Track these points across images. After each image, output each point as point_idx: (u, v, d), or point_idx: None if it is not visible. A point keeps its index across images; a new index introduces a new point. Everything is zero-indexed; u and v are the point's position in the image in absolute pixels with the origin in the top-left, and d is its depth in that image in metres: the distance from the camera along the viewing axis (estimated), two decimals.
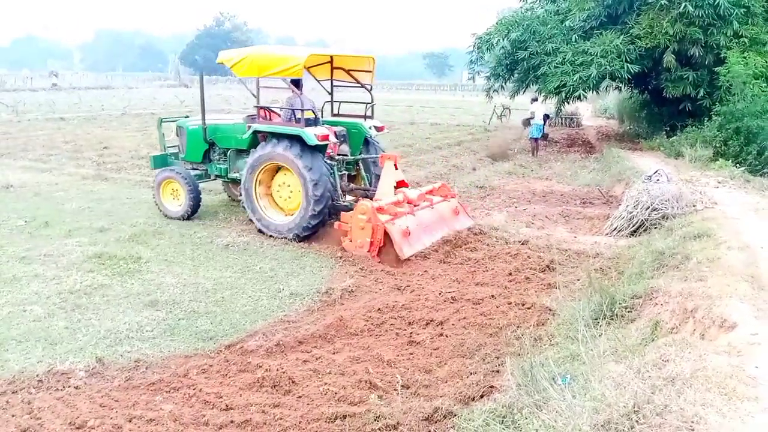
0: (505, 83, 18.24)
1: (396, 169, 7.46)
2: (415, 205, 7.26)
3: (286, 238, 7.26)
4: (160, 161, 8.86)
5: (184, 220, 8.11)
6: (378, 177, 7.71)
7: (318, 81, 8.61)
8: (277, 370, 4.11)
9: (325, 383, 4.01)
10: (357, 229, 6.71)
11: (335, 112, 8.62)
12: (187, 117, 9.42)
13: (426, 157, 14.33)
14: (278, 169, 7.50)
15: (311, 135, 6.99)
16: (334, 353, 4.48)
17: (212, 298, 5.45)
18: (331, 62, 8.42)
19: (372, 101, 8.28)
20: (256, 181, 7.50)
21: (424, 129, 21.07)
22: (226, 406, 3.72)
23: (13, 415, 3.52)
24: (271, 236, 7.37)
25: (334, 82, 8.61)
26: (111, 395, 3.81)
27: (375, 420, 3.49)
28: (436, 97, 47.35)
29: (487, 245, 7.17)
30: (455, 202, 7.89)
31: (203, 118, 8.38)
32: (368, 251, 6.64)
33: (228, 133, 8.31)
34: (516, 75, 17.66)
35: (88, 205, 8.85)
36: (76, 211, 8.58)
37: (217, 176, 8.69)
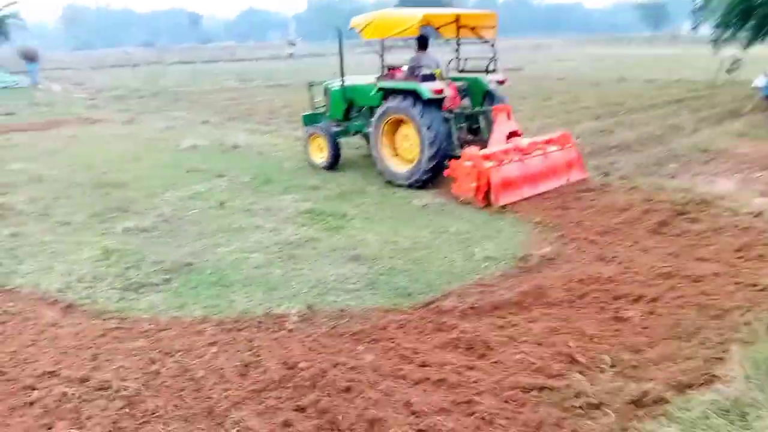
0: (737, 32, 15.87)
1: (509, 119, 7.83)
2: (525, 154, 7.36)
3: (405, 185, 7.94)
4: (310, 119, 9.85)
5: (327, 169, 9.12)
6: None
7: (445, 39, 9.17)
8: (472, 332, 4.09)
9: (522, 351, 3.88)
10: (463, 175, 7.10)
11: (461, 68, 8.98)
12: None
13: (638, 117, 13.13)
14: (400, 122, 8.05)
15: (426, 89, 7.52)
16: (530, 322, 4.32)
17: (409, 257, 5.59)
18: (457, 21, 8.83)
19: (495, 56, 8.57)
20: (381, 133, 8.21)
21: (636, 86, 19.33)
22: (422, 362, 3.79)
23: (237, 351, 3.96)
24: (398, 185, 8.03)
25: (460, 39, 9.02)
26: (319, 341, 4.09)
27: (575, 396, 3.29)
28: (652, 51, 43.02)
29: (711, 216, 6.36)
30: (573, 152, 7.90)
31: (342, 79, 9.14)
32: (474, 196, 7.01)
33: (362, 91, 8.97)
34: (752, 22, 15.27)
35: (301, 165, 9.59)
36: (293, 169, 9.35)
37: (356, 132, 9.47)
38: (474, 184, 6.99)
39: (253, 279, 5.16)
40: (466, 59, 8.97)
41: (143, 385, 3.58)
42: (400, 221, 6.68)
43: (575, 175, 7.81)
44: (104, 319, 4.50)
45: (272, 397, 3.45)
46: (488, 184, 6.94)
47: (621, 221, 6.32)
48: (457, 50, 9.11)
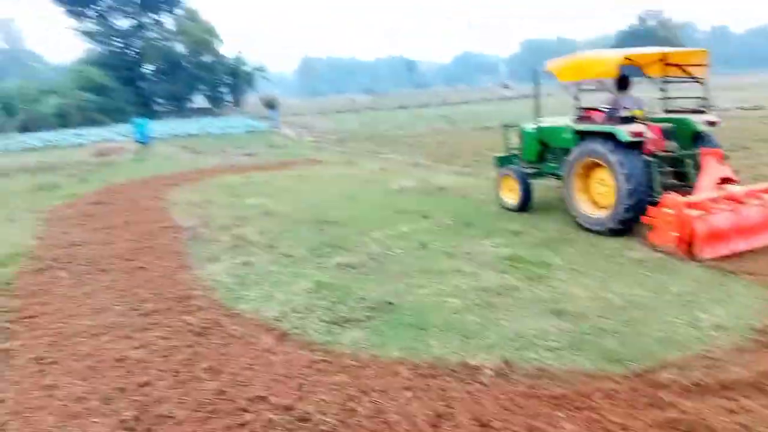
0: None
1: (720, 164, 7.27)
2: (738, 203, 6.68)
3: (599, 232, 7.58)
4: (504, 161, 10.01)
5: (517, 211, 9.12)
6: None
7: (650, 78, 8.77)
8: (695, 414, 3.55)
9: None
10: (663, 223, 6.64)
11: (667, 108, 8.59)
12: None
13: None
14: (596, 165, 7.76)
15: (623, 132, 7.24)
16: None
17: (621, 317, 5.10)
18: (663, 59, 8.47)
19: (706, 95, 8.05)
20: (575, 177, 8.01)
21: None
22: None
23: (431, 399, 3.91)
24: (591, 230, 7.71)
25: (666, 78, 8.60)
26: (515, 400, 3.87)
27: None
28: None
29: None
30: None
31: (537, 121, 9.20)
32: (676, 246, 6.49)
33: (557, 133, 8.91)
34: None
35: (503, 209, 9.43)
36: (494, 213, 9.25)
37: (549, 174, 9.31)
38: (675, 234, 6.49)
39: (450, 324, 5.11)
40: (671, 99, 8.59)
41: (340, 421, 3.70)
42: (611, 275, 6.16)
43: None
44: (311, 350, 4.78)
45: None
46: (692, 234, 6.37)
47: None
48: (662, 90, 8.73)
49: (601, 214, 7.70)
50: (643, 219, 6.99)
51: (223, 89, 56.09)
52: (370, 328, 5.16)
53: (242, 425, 3.72)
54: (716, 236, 6.43)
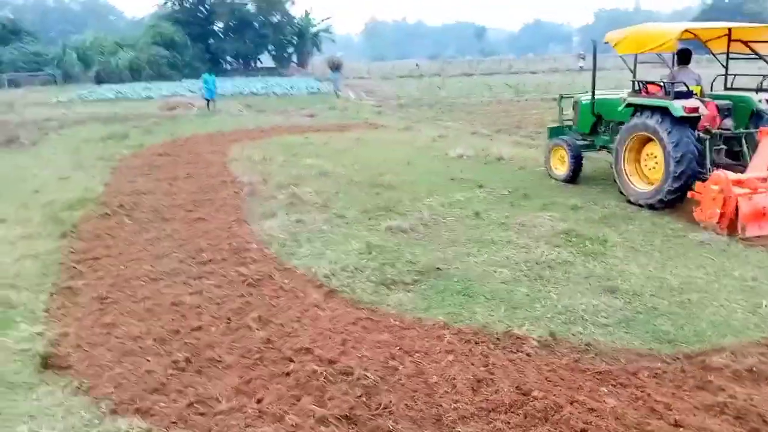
0: None
1: None
2: None
3: (644, 206, 7.52)
4: (556, 132, 9.91)
5: (565, 182, 9.14)
6: None
7: (714, 54, 8.59)
8: (746, 400, 3.42)
9: None
10: (708, 200, 6.59)
11: (728, 85, 8.33)
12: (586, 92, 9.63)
13: None
14: (648, 140, 7.65)
15: (678, 107, 7.08)
16: None
17: (677, 298, 4.93)
18: (729, 35, 8.17)
19: None
20: (625, 150, 7.90)
21: None
22: (675, 421, 3.29)
23: (472, 364, 3.93)
24: (638, 205, 7.65)
25: (731, 54, 8.32)
26: (558, 372, 3.84)
27: None
28: None
29: None
30: None
31: (593, 93, 9.05)
32: (717, 223, 6.45)
33: (611, 106, 8.80)
34: None
35: (562, 183, 9.21)
36: (553, 186, 9.05)
37: (602, 147, 9.24)
38: (718, 211, 6.42)
39: (498, 294, 5.08)
40: (734, 76, 8.32)
41: (381, 377, 3.77)
42: (670, 256, 5.95)
43: None
44: (358, 308, 4.87)
45: (501, 420, 3.33)
46: (735, 212, 6.30)
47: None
48: (725, 66, 8.48)
49: (648, 188, 7.63)
50: (690, 194, 6.98)
51: (290, 49, 56.55)
52: (416, 291, 5.19)
53: (287, 374, 3.84)
54: (761, 216, 6.34)
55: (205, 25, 51.55)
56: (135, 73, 41.63)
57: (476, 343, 4.23)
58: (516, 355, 4.07)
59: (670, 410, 3.39)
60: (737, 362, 3.86)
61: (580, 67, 44.83)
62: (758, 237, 6.28)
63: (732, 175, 6.52)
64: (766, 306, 4.72)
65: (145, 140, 14.81)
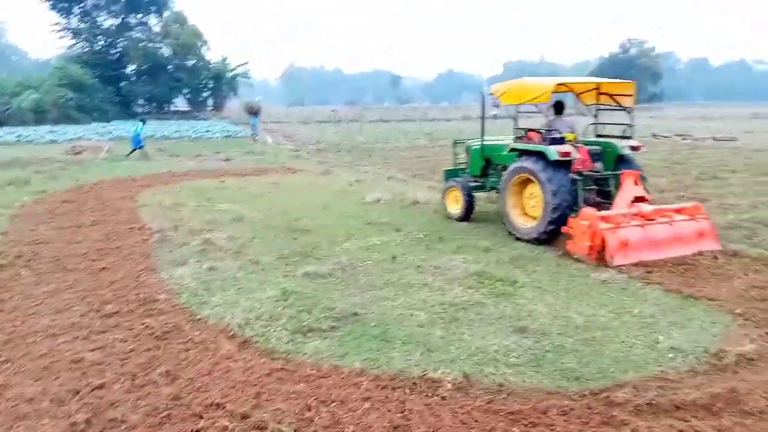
0: None
1: (637, 185, 8.09)
2: (648, 220, 7.50)
3: (526, 240, 8.35)
4: (451, 174, 10.77)
5: (460, 221, 9.84)
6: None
7: (586, 105, 9.61)
8: None
9: None
10: (579, 233, 7.43)
11: (599, 132, 9.38)
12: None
13: None
14: (529, 181, 8.55)
15: (553, 151, 8.04)
16: (719, 431, 3.70)
17: (581, 336, 5.15)
18: (598, 89, 9.32)
19: (631, 123, 8.92)
20: (509, 190, 8.79)
21: None
22: None
23: (389, 411, 3.91)
24: (520, 240, 8.48)
25: (599, 106, 9.41)
26: (472, 414, 3.89)
27: None
28: None
29: None
30: (706, 224, 7.81)
31: (482, 139, 9.97)
32: (587, 255, 7.27)
33: (497, 150, 9.75)
34: None
35: (475, 226, 9.52)
36: (466, 229, 9.32)
37: (492, 188, 10.03)
38: (588, 243, 7.26)
39: (414, 337, 5.12)
40: (604, 125, 9.38)
41: (296, 430, 3.67)
42: (575, 295, 6.23)
43: (706, 245, 7.64)
44: (273, 359, 4.75)
45: None
46: (602, 244, 7.17)
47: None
48: (595, 116, 9.49)
49: (530, 224, 8.46)
50: (563, 229, 7.77)
51: (206, 93, 55.85)
52: (334, 338, 5.14)
53: None
54: (625, 246, 7.18)
55: (117, 68, 50.08)
56: (39, 116, 39.57)
57: (393, 389, 4.22)
58: (432, 399, 4.09)
59: None
60: (638, 396, 4.06)
61: (494, 114, 46.78)
62: (624, 265, 7.03)
63: (598, 213, 7.37)
64: (662, 341, 5.02)
65: (48, 186, 14.04)
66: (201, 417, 3.83)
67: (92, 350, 4.88)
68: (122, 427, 3.77)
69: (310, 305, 5.85)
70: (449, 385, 4.25)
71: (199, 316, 5.64)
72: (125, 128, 20.12)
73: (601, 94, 9.32)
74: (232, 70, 56.15)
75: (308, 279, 6.74)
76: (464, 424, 3.78)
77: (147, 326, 5.36)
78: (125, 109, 47.48)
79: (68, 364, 4.66)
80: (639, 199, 7.98)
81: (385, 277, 6.84)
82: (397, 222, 9.71)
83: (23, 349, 4.95)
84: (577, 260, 7.41)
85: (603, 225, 7.24)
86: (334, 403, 4.02)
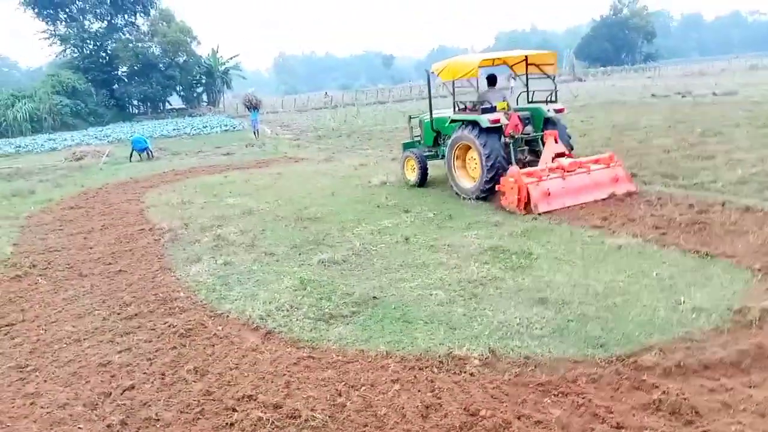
0: None
1: (556, 142, 9.20)
2: (567, 171, 8.61)
3: (470, 198, 9.49)
4: (408, 146, 11.85)
5: (417, 187, 10.99)
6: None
7: (517, 75, 10.66)
8: (677, 395, 3.61)
9: (739, 422, 3.34)
10: (508, 189, 8.53)
11: (530, 99, 10.42)
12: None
13: None
14: (468, 147, 9.61)
15: (485, 120, 9.15)
16: (750, 387, 3.72)
17: (603, 303, 5.16)
18: (526, 60, 10.30)
19: (555, 88, 10.09)
20: (453, 156, 9.93)
21: None
22: (617, 424, 3.42)
23: (419, 391, 3.93)
24: (463, 198, 9.65)
25: (529, 75, 10.45)
26: (501, 388, 3.91)
27: None
28: None
29: None
30: (620, 170, 8.99)
31: (431, 113, 11.12)
32: (516, 207, 8.38)
33: (443, 123, 10.69)
34: None
35: (484, 203, 9.48)
36: (475, 206, 9.29)
37: (442, 156, 10.85)
38: (516, 197, 8.37)
39: (436, 317, 5.14)
40: (533, 91, 10.38)
41: (329, 416, 3.71)
42: (591, 263, 6.23)
43: (622, 188, 8.79)
44: (298, 348, 4.78)
45: None
46: (528, 196, 8.24)
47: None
48: (526, 84, 10.50)
49: (472, 184, 9.57)
50: (497, 187, 8.79)
51: (199, 89, 55.60)
52: (355, 323, 5.16)
53: (231, 425, 3.70)
54: (548, 196, 8.34)
55: (109, 71, 49.81)
56: (36, 125, 39.55)
57: (420, 368, 4.25)
58: (460, 376, 4.11)
59: (611, 413, 3.52)
60: (666, 359, 4.07)
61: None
62: (548, 211, 8.15)
63: (522, 170, 8.54)
64: (684, 302, 5.01)
65: (53, 194, 14.07)
66: (234, 410, 3.86)
67: (119, 353, 4.92)
68: (158, 426, 3.81)
69: (329, 292, 5.88)
70: (476, 361, 4.27)
71: (220, 311, 5.67)
72: (124, 131, 19.82)
73: (530, 64, 10.33)
74: (223, 64, 55.86)
75: (323, 266, 6.75)
76: (495, 398, 3.80)
77: (169, 325, 5.39)
78: (121, 112, 47.35)
79: (96, 368, 4.70)
80: (560, 155, 9.07)
81: (400, 258, 6.85)
82: (405, 203, 9.70)
83: (50, 356, 4.99)
84: (591, 228, 7.41)
85: (527, 180, 8.35)
86: (363, 387, 4.04)
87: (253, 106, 28.56)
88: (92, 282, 6.95)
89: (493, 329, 4.80)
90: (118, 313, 5.85)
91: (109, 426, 3.82)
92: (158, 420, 3.86)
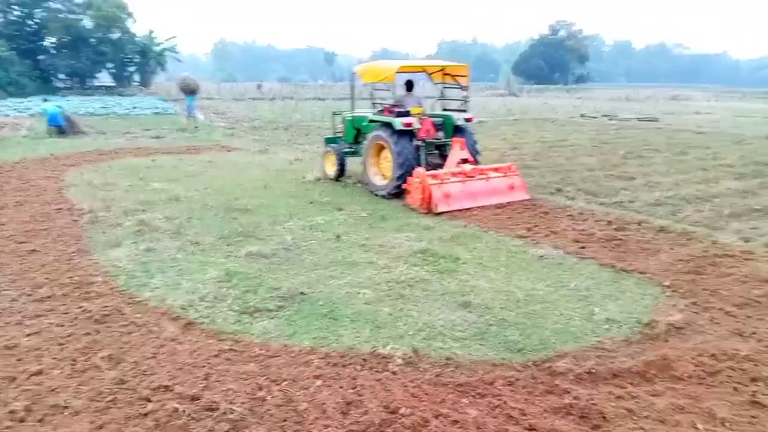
0: None
1: (462, 149, 9.92)
2: (468, 177, 9.37)
3: (381, 195, 10.03)
4: (331, 141, 12.29)
5: (335, 180, 11.49)
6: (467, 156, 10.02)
7: (435, 83, 11.50)
8: (587, 400, 3.80)
9: (641, 428, 3.54)
10: (414, 189, 9.19)
11: (444, 107, 11.22)
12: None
13: None
14: (383, 147, 10.16)
15: (398, 122, 9.73)
16: (653, 396, 3.95)
17: (523, 309, 5.35)
18: (442, 70, 11.14)
19: (466, 98, 10.93)
20: (369, 154, 10.47)
21: None
22: (530, 426, 3.55)
23: (341, 387, 3.95)
24: (375, 195, 10.19)
25: (445, 84, 11.28)
26: (422, 387, 3.98)
27: None
28: None
29: None
30: (517, 180, 9.86)
31: (352, 111, 11.75)
32: (419, 205, 9.02)
33: (362, 121, 11.21)
34: None
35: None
36: (408, 208, 9.40)
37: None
38: (420, 196, 9.01)
39: (362, 315, 5.17)
40: (446, 100, 11.25)
41: (249, 410, 3.66)
42: (514, 270, 6.44)
43: (517, 196, 9.69)
44: (220, 340, 4.69)
45: None
46: (430, 196, 8.85)
47: (764, 294, 5.69)
48: (442, 92, 11.34)
49: (384, 182, 10.09)
50: (404, 186, 9.46)
51: (132, 68, 53.42)
52: (281, 318, 5.12)
53: (144, 415, 3.59)
54: (448, 197, 9.01)
55: (35, 41, 47.01)
56: None
57: (344, 365, 4.26)
58: (383, 374, 4.16)
59: (525, 415, 3.65)
60: (578, 365, 4.27)
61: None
62: (448, 211, 8.80)
63: (427, 172, 9.16)
64: (598, 313, 5.27)
65: None
66: (149, 400, 3.74)
67: (27, 336, 4.67)
68: (65, 413, 3.64)
69: (256, 285, 5.80)
70: (399, 360, 4.33)
71: (139, 299, 5.48)
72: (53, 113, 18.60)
73: (446, 75, 11.11)
74: (159, 44, 53.94)
75: (252, 259, 6.65)
76: (415, 397, 3.86)
77: (84, 310, 5.16)
78: (45, 84, 44.78)
79: (1, 350, 4.44)
80: (464, 161, 9.78)
81: (330, 256, 6.84)
82: (339, 201, 9.70)
83: None
84: (517, 237, 7.66)
85: (431, 181, 8.98)
86: (285, 382, 4.02)
87: (190, 90, 27.43)
88: (2, 260, 6.55)
89: (418, 330, 4.88)
90: (29, 295, 5.54)
91: (12, 412, 3.62)
92: (66, 407, 3.69)
